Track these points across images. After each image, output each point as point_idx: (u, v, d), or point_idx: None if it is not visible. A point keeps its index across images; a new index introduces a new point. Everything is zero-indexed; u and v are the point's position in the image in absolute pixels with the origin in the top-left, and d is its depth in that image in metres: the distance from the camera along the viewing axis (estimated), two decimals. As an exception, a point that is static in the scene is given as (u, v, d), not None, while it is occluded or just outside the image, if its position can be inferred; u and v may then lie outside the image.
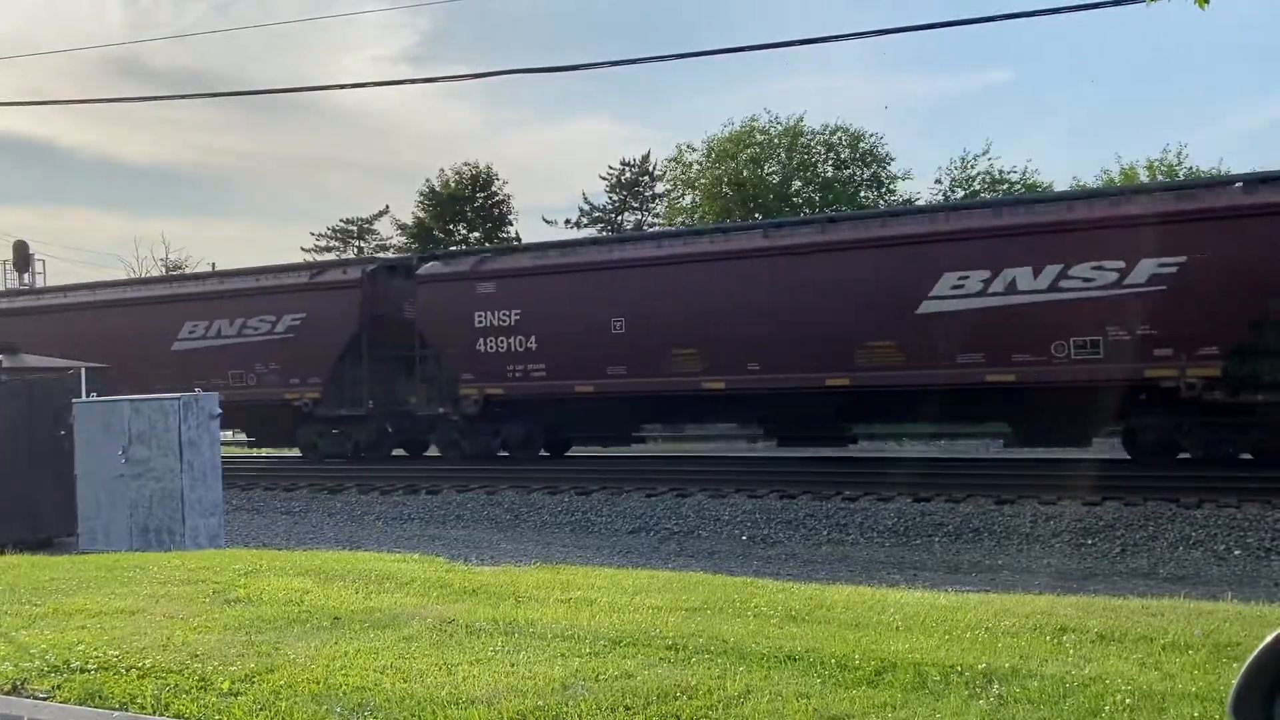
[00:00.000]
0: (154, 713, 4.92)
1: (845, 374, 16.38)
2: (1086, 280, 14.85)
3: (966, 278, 15.52)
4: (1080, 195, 17.86)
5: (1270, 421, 14.53)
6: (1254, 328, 14.25)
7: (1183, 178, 32.06)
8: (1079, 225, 15.15)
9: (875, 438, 20.65)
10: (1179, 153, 35.90)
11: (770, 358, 16.80)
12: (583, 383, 18.55)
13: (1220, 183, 16.55)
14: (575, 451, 21.98)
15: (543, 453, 20.98)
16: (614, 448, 21.76)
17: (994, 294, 15.39)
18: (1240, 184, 15.40)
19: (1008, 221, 15.88)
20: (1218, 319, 14.21)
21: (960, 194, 35.87)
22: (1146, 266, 14.50)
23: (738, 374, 17.20)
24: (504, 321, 19.17)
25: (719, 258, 17.65)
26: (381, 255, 22.60)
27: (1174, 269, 14.37)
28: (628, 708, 4.57)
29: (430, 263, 21.27)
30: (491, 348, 19.28)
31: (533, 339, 18.96)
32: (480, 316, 19.31)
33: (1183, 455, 15.52)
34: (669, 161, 41.30)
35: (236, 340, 21.73)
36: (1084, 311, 14.86)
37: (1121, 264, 14.64)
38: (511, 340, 19.06)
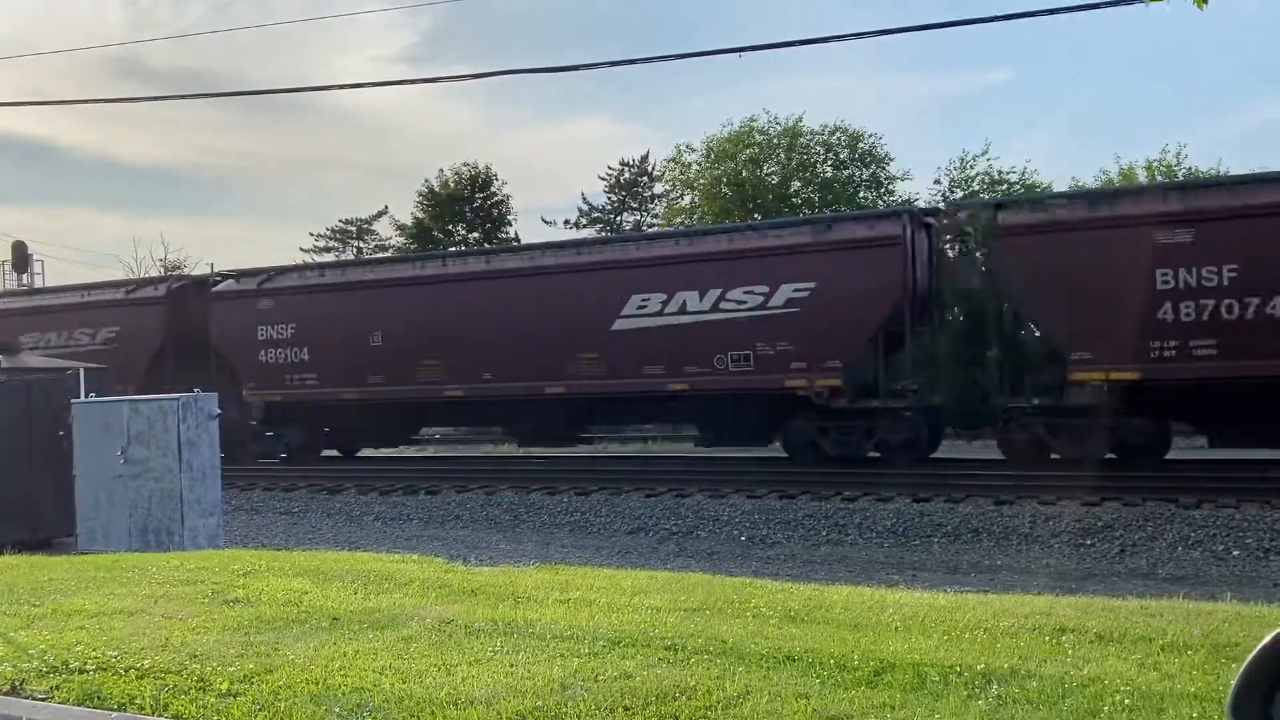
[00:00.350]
0: (152, 713, 4.92)
1: (560, 382, 18.54)
2: (739, 303, 17.13)
3: (649, 299, 17.79)
4: (740, 228, 20.27)
5: (885, 424, 16.85)
6: (868, 343, 16.54)
7: (1182, 178, 32.06)
8: (735, 254, 17.58)
9: (601, 440, 23.86)
10: (1178, 153, 35.91)
11: (501, 368, 18.85)
12: (348, 390, 20.48)
13: (853, 218, 19.20)
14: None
15: (333, 454, 22.86)
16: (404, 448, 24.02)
17: (670, 314, 17.67)
18: (861, 220, 18.22)
19: (681, 250, 18.36)
20: (839, 336, 16.47)
21: (960, 194, 35.83)
22: (785, 291, 16.82)
23: (475, 383, 19.28)
24: (281, 335, 21.16)
25: (456, 279, 20.10)
26: (186, 274, 25.09)
27: (806, 293, 16.68)
28: (627, 708, 4.57)
29: (225, 280, 23.16)
30: (271, 359, 21.27)
31: (305, 351, 20.96)
32: (262, 330, 21.30)
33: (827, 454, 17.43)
34: (668, 162, 41.28)
35: (60, 351, 22.76)
36: (738, 329, 17.10)
37: (767, 289, 16.93)
38: (288, 352, 21.06)
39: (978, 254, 16.85)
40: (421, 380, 19.66)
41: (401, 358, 19.77)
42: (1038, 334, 15.82)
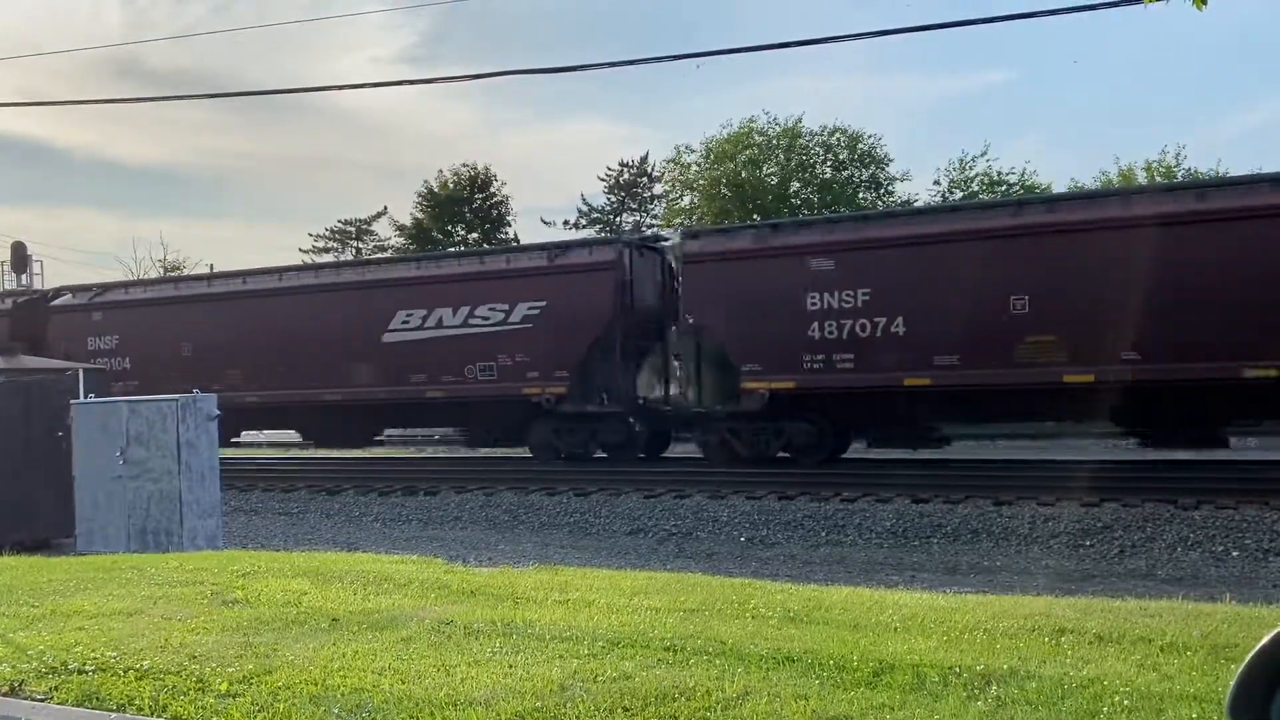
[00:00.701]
0: (151, 714, 4.92)
1: (338, 390, 20.70)
2: (485, 319, 19.30)
3: (412, 315, 19.91)
4: (489, 252, 23.04)
5: (606, 427, 19.17)
6: (587, 355, 18.58)
7: (1181, 178, 32.08)
8: (483, 276, 19.78)
9: (395, 443, 26.76)
10: (1178, 154, 35.97)
11: (290, 376, 20.86)
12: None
13: (580, 244, 21.72)
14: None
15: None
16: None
17: (429, 328, 19.77)
18: (585, 246, 20.87)
19: (439, 272, 20.73)
20: (565, 349, 18.61)
21: (959, 195, 35.85)
22: (522, 309, 19.03)
23: (270, 390, 21.36)
24: (108, 345, 23.17)
25: (250, 295, 22.14)
26: (32, 289, 27.70)
27: (538, 311, 18.89)
28: (626, 709, 4.57)
29: (64, 295, 25.09)
30: (100, 367, 23.28)
31: (128, 360, 22.84)
32: (92, 341, 23.28)
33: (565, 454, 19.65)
34: (667, 163, 41.27)
35: None
36: (485, 342, 19.27)
37: (508, 306, 19.14)
38: (113, 361, 22.70)
39: (678, 279, 19.14)
40: (225, 387, 21.23)
41: (208, 367, 21.53)
42: (717, 348, 17.91)
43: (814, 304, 16.65)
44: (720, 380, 17.78)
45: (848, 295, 16.43)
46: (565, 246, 21.03)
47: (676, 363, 18.74)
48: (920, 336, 15.93)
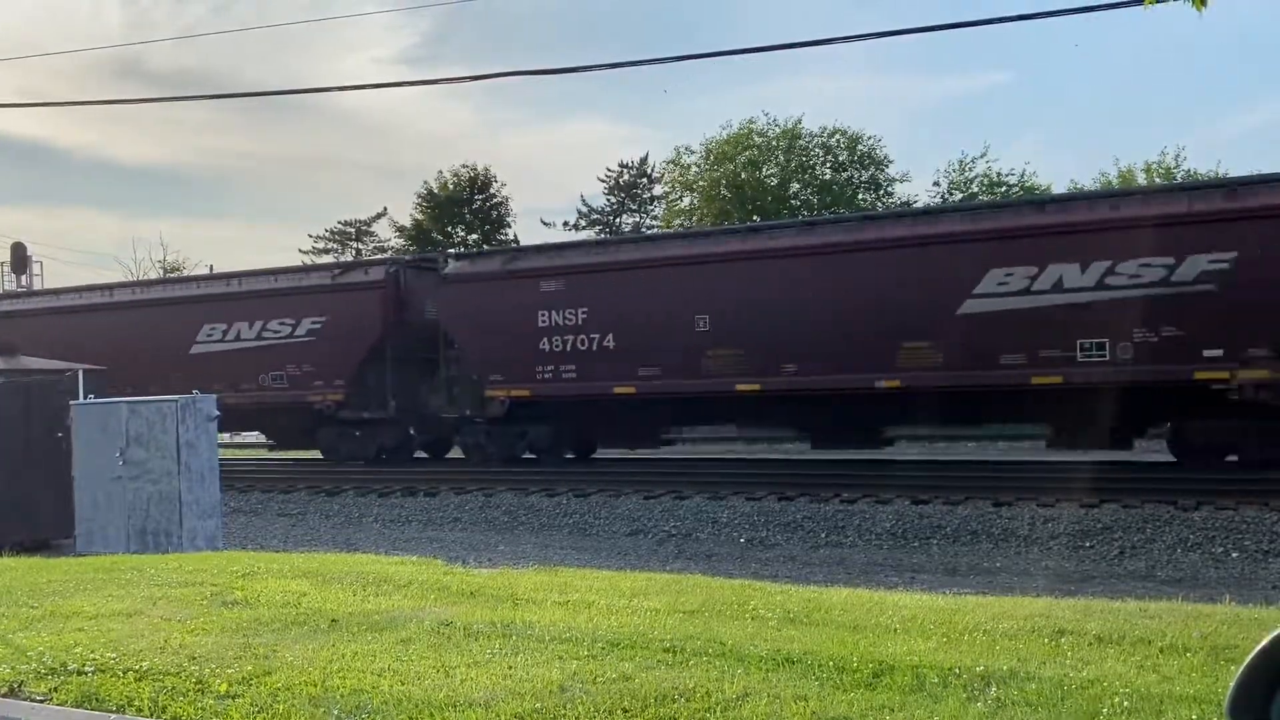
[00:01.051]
0: (151, 715, 4.92)
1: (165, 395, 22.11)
2: (276, 332, 21.59)
3: (215, 329, 22.25)
4: (280, 271, 24.49)
5: (384, 430, 21.19)
6: (361, 366, 20.64)
7: (1180, 180, 32.08)
8: (274, 293, 21.88)
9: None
10: (1177, 155, 36.00)
11: (121, 381, 20.95)
12: None
13: (357, 265, 23.92)
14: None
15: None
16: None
17: (229, 341, 22.15)
18: (361, 267, 23.05)
19: (237, 289, 22.78)
20: (342, 360, 20.65)
21: (959, 196, 35.87)
22: (306, 323, 21.23)
23: (99, 394, 23.42)
24: None
25: (80, 310, 24.30)
26: None
27: (320, 325, 21.06)
28: (625, 710, 4.57)
29: None
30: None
31: None
32: None
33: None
34: (667, 164, 41.25)
35: None
36: (276, 354, 21.56)
37: (294, 321, 21.34)
38: None
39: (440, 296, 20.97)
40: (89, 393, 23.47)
41: None
42: (470, 360, 19.82)
43: (544, 321, 18.68)
44: (474, 389, 19.76)
45: (570, 314, 18.53)
46: (347, 267, 23.46)
47: (445, 373, 20.71)
48: (627, 350, 18.00)
